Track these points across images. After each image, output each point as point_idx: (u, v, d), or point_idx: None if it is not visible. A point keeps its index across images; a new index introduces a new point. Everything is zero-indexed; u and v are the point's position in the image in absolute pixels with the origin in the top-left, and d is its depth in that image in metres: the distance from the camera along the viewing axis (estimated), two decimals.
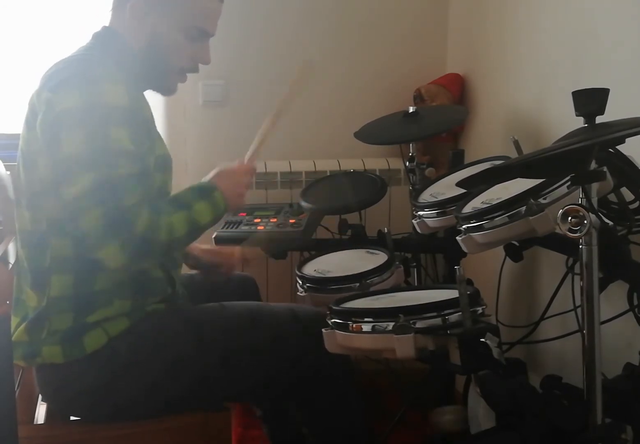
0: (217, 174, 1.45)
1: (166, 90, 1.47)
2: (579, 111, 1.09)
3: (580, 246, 1.09)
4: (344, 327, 1.21)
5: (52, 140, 1.25)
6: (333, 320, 1.24)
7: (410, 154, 1.94)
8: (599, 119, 1.10)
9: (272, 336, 1.40)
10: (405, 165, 1.95)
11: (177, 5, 1.38)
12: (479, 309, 1.19)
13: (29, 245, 1.36)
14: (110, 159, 1.22)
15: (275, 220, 1.97)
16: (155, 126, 1.43)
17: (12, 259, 1.56)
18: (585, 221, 1.01)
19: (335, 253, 1.76)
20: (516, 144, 1.52)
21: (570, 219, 1.02)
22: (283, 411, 1.45)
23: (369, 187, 1.93)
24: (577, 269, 1.18)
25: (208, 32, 1.43)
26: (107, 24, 1.43)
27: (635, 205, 1.29)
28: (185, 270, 1.66)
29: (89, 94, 1.24)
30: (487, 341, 1.10)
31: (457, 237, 1.34)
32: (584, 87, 1.10)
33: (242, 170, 1.48)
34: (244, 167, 1.49)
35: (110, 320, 1.33)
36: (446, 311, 1.15)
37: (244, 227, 1.92)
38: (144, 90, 1.45)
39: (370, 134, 1.97)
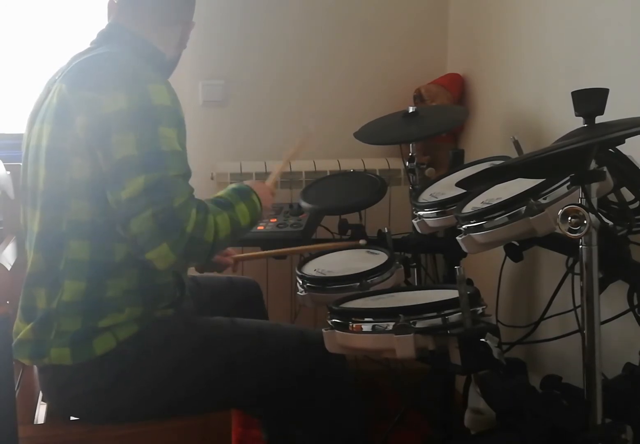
0: (249, 181, 1.47)
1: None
2: (578, 111, 1.09)
3: (580, 246, 1.09)
4: (344, 327, 1.21)
5: (99, 142, 1.24)
6: (333, 320, 1.24)
7: (410, 154, 1.93)
8: (598, 119, 1.10)
9: (276, 344, 1.41)
10: (405, 165, 1.95)
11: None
12: (479, 309, 1.19)
13: (42, 247, 1.33)
14: (161, 161, 1.22)
15: (275, 220, 1.97)
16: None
17: (12, 259, 1.56)
18: (585, 221, 1.01)
19: (335, 253, 1.76)
20: (516, 144, 1.52)
21: (570, 219, 1.02)
22: (282, 413, 1.45)
23: (368, 187, 1.93)
24: (577, 269, 1.18)
25: None
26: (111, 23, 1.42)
27: (635, 205, 1.29)
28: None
29: (136, 95, 1.24)
30: (487, 341, 1.10)
31: (457, 237, 1.34)
32: (584, 87, 1.10)
33: (268, 186, 1.52)
34: (270, 185, 1.54)
35: (120, 326, 1.33)
36: (446, 311, 1.15)
37: None
38: None
39: (370, 134, 1.96)
